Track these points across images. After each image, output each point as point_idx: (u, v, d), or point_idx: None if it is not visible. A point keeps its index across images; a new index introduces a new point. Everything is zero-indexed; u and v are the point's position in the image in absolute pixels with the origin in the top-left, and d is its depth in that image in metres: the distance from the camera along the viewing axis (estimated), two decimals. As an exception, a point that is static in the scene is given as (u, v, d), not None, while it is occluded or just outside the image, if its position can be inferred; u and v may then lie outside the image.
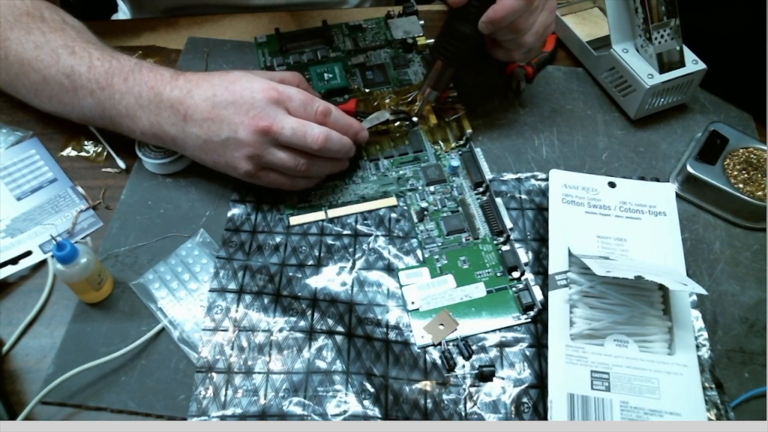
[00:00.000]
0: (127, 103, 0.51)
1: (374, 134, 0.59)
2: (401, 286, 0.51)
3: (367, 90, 0.63)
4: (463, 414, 0.45)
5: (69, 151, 0.58)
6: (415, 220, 0.54)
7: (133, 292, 0.50)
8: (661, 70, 0.59)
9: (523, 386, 0.46)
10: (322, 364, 0.47)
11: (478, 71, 0.66)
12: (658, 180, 0.57)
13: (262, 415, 0.45)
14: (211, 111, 0.49)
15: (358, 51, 0.67)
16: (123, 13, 0.85)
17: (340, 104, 0.56)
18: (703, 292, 0.45)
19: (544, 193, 0.56)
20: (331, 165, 0.54)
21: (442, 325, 0.49)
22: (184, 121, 0.50)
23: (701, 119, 0.63)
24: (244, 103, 0.49)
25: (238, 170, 0.51)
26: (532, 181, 0.57)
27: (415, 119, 0.60)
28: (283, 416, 0.44)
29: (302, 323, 0.48)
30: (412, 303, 0.50)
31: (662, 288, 0.48)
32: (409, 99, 0.62)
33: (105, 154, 0.58)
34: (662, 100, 0.61)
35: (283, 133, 0.49)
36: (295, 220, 0.54)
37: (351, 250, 0.53)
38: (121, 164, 0.57)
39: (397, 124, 0.60)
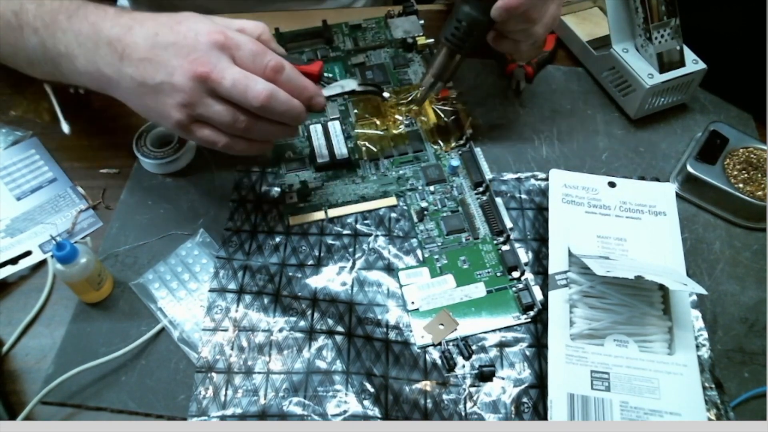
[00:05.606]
0: (66, 42, 0.47)
1: (373, 134, 0.58)
2: (401, 286, 0.51)
3: (367, 90, 0.63)
4: (463, 414, 0.45)
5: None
6: (415, 219, 0.54)
7: (133, 292, 0.50)
8: (661, 70, 0.59)
9: (523, 386, 0.46)
10: (322, 364, 0.47)
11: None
12: (658, 180, 0.57)
13: (262, 415, 0.45)
14: (149, 51, 0.45)
15: (358, 51, 0.67)
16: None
17: (304, 65, 0.51)
18: (703, 292, 0.45)
19: (544, 193, 0.56)
20: (275, 129, 0.48)
21: (442, 325, 0.49)
22: (121, 60, 0.46)
23: (701, 119, 0.63)
24: (185, 45, 0.45)
25: (169, 119, 0.46)
26: (532, 181, 0.57)
27: (386, 95, 0.57)
28: (283, 416, 0.44)
29: (302, 323, 0.48)
30: (412, 303, 0.50)
31: (662, 288, 0.48)
32: (410, 98, 0.62)
33: (52, 113, 0.55)
34: (662, 100, 0.61)
35: (222, 82, 0.44)
36: (295, 220, 0.54)
37: (351, 250, 0.53)
38: (65, 128, 0.55)
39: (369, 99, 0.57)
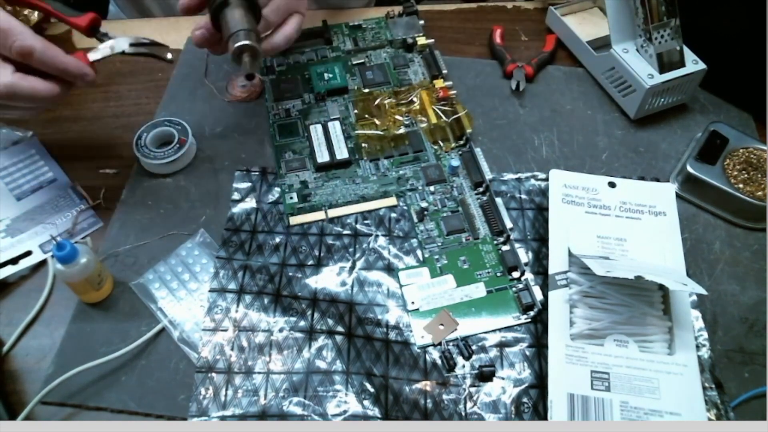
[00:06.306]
0: None
1: (373, 134, 0.58)
2: (401, 286, 0.51)
3: (366, 90, 0.63)
4: (463, 414, 0.45)
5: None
6: (415, 220, 0.54)
7: (133, 292, 0.50)
8: (661, 70, 0.59)
9: (523, 386, 0.46)
10: (322, 364, 0.47)
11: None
12: (658, 180, 0.57)
13: (262, 415, 0.45)
14: None
15: (358, 51, 0.67)
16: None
17: (71, 17, 0.47)
18: (703, 292, 0.45)
19: (544, 193, 0.56)
20: (15, 112, 0.47)
21: (442, 325, 0.49)
22: None
23: (701, 119, 0.63)
24: None
25: None
26: (532, 181, 0.57)
27: (168, 56, 0.50)
28: (283, 416, 0.44)
29: (302, 323, 0.48)
30: (412, 303, 0.50)
31: (662, 288, 0.48)
32: (410, 98, 0.62)
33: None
34: (662, 100, 0.61)
35: None
36: (295, 220, 0.54)
37: (351, 250, 0.53)
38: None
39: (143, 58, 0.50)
